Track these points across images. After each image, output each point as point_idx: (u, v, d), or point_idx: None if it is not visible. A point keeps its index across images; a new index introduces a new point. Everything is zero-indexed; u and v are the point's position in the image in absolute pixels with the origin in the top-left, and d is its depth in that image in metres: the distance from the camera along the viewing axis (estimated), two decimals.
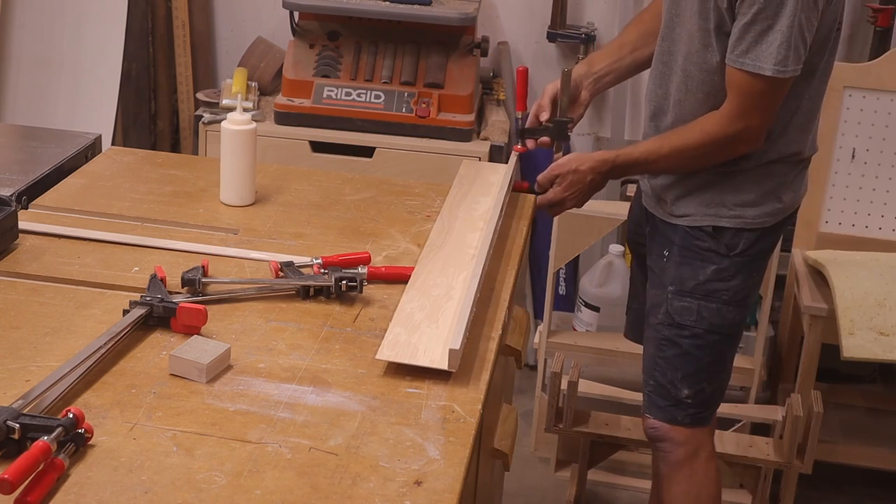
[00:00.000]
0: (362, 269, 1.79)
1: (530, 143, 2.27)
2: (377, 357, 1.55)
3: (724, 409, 2.79)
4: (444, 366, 1.53)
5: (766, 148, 2.08)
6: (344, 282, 1.72)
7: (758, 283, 2.22)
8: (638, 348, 2.36)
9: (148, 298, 1.61)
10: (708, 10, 1.99)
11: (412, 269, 1.81)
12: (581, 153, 2.19)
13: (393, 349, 1.56)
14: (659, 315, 2.21)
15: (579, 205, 2.20)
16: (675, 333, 2.18)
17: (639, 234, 2.38)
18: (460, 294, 1.72)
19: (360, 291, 1.73)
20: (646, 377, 2.26)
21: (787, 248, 3.07)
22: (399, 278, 1.79)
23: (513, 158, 2.29)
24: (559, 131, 2.24)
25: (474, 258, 1.84)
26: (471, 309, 1.65)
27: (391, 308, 1.70)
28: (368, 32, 3.25)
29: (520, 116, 2.28)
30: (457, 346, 1.53)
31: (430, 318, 1.65)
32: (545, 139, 2.25)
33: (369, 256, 1.85)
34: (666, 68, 2.13)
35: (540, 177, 2.19)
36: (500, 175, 2.24)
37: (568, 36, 3.46)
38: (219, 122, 2.70)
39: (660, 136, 2.13)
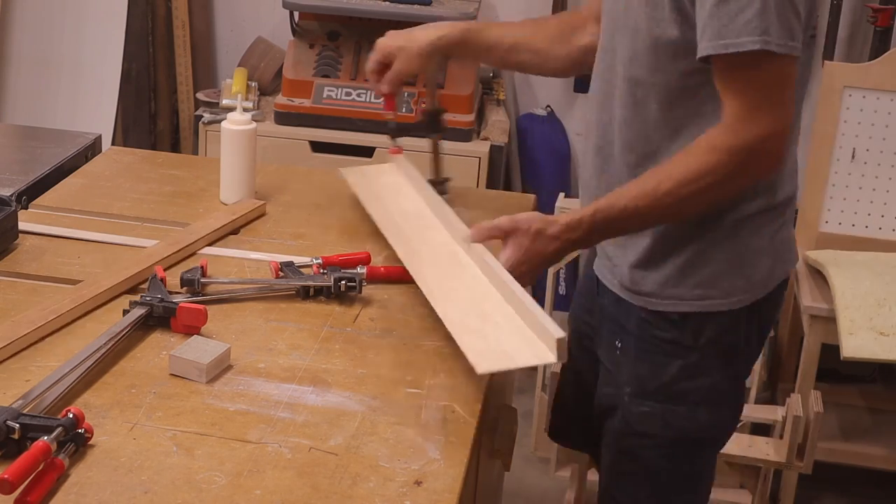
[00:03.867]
0: (361, 269, 1.79)
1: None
2: (478, 372, 1.44)
3: None
4: (552, 359, 1.45)
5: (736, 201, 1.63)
6: (343, 282, 1.71)
7: (742, 373, 1.75)
8: None
9: (148, 298, 1.61)
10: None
11: None
12: (544, 214, 1.64)
13: (486, 359, 1.46)
14: (615, 421, 1.75)
15: (532, 283, 1.67)
16: (636, 444, 1.73)
17: (586, 319, 1.88)
18: (491, 289, 1.61)
19: (360, 291, 1.73)
20: (602, 494, 1.83)
21: None
22: (399, 278, 1.79)
23: (401, 159, 2.10)
24: (433, 124, 2.03)
25: (457, 254, 1.74)
26: (528, 295, 1.54)
27: (391, 308, 1.70)
28: (368, 32, 3.23)
29: (391, 116, 2.06)
30: (562, 333, 1.44)
31: (484, 320, 1.55)
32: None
33: (369, 256, 1.85)
34: (608, 86, 1.67)
35: (484, 224, 1.67)
36: (396, 175, 2.08)
37: None
38: (219, 122, 2.69)
39: (647, 172, 1.59)
